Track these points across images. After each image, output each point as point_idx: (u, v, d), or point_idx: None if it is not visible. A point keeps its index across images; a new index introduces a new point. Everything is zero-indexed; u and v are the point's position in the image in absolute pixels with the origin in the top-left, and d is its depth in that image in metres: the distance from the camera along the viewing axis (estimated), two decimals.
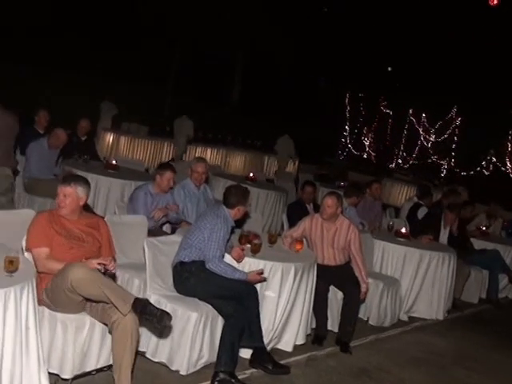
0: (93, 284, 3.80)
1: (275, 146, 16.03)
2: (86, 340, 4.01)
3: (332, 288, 5.95)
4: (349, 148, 25.35)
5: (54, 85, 17.34)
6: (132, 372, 3.95)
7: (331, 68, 25.56)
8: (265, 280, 5.03)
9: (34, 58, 19.76)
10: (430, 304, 7.22)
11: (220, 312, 4.75)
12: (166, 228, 6.43)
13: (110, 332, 3.98)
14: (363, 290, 5.91)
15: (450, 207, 8.35)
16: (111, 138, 13.69)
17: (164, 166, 6.41)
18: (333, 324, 6.03)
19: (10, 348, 3.41)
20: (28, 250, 4.15)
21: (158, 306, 3.92)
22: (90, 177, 6.89)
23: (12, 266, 3.52)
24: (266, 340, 5.04)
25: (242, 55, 26.02)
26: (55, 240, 4.14)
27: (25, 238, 4.21)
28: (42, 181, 7.33)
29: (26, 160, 7.52)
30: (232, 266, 4.93)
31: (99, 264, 3.97)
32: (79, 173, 6.52)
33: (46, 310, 4.02)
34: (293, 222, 6.81)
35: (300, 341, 5.48)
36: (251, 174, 10.04)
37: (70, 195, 4.23)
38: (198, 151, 15.04)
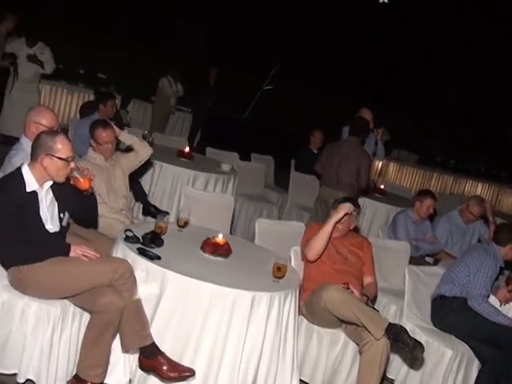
0: (345, 306, 3.89)
1: None
2: (338, 355, 4.09)
3: None
4: None
5: (328, 107, 18.09)
6: None
7: None
8: None
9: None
10: None
11: (477, 355, 4.49)
12: (429, 259, 6.31)
13: (360, 353, 4.01)
14: None
15: None
16: (380, 163, 13.83)
17: (424, 193, 6.32)
18: None
19: (268, 348, 3.60)
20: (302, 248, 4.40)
21: (412, 336, 3.86)
22: None
23: (280, 272, 3.74)
24: None
25: None
26: (323, 253, 4.32)
27: (293, 248, 4.46)
28: None
29: None
30: (496, 308, 4.65)
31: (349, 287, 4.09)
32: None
33: (304, 320, 4.19)
34: None
35: None
36: None
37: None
38: (468, 184, 14.51)
